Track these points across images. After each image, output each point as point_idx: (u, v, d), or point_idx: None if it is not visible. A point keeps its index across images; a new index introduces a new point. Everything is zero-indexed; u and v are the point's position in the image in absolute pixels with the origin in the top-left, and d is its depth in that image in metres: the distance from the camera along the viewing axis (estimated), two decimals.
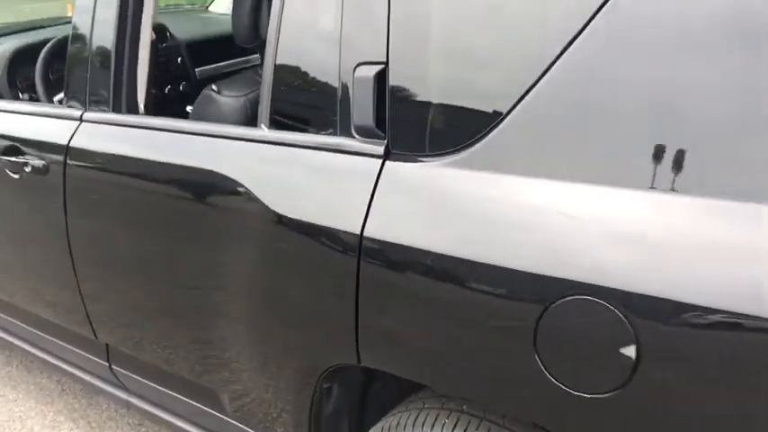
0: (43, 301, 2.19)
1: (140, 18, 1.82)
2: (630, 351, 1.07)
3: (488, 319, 1.20)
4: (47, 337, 2.27)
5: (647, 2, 1.08)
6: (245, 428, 1.80)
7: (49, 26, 3.08)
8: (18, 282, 2.27)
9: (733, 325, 0.99)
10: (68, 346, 2.20)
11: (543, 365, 1.15)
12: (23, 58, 2.62)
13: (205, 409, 1.87)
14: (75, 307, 2.01)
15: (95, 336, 2.03)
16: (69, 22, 1.95)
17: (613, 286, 1.06)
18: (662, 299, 1.03)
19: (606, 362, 1.09)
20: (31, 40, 2.76)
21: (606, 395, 1.10)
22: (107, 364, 2.09)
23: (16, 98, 2.53)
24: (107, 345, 2.05)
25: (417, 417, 1.41)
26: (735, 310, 0.98)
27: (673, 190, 1.05)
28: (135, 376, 2.03)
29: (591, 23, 1.12)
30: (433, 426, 1.38)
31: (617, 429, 1.13)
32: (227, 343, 1.67)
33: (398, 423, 1.43)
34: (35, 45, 2.67)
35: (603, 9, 1.11)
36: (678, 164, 1.07)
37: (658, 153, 1.08)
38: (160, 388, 1.98)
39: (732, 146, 1.03)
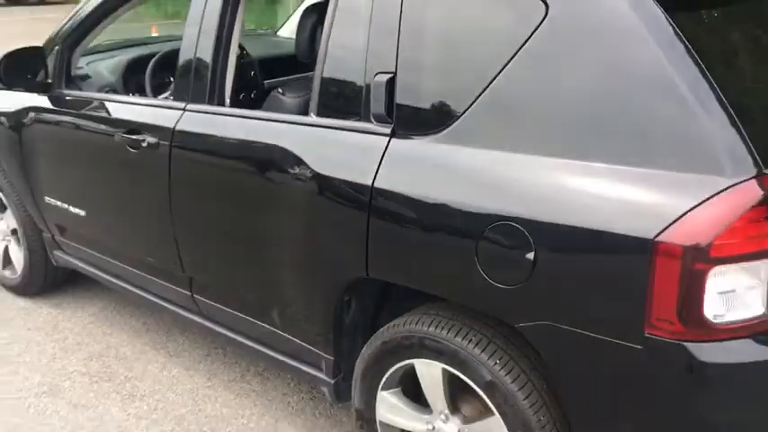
0: (145, 246, 2.92)
1: (230, 41, 2.55)
2: (531, 256, 1.72)
3: (447, 240, 1.87)
4: (145, 275, 3.00)
5: (555, 43, 1.76)
6: (291, 338, 2.48)
7: (149, 44, 3.88)
8: (128, 231, 3.01)
9: (592, 237, 1.64)
10: (162, 282, 2.92)
11: (482, 270, 1.81)
12: (134, 66, 3.41)
13: (262, 324, 2.56)
14: (170, 249, 2.73)
15: (183, 270, 2.75)
16: (164, 41, 2.68)
17: (523, 216, 1.73)
18: (551, 223, 1.69)
19: (518, 264, 1.74)
20: (137, 54, 3.55)
21: (518, 286, 1.76)
22: (189, 293, 2.80)
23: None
24: (191, 278, 2.76)
25: (409, 319, 2.09)
26: (593, 227, 1.64)
27: (567, 156, 1.72)
28: (210, 302, 2.74)
29: (519, 52, 1.79)
30: (416, 323, 2.05)
31: (526, 309, 1.79)
32: (278, 271, 2.36)
33: (398, 323, 2.11)
34: (141, 58, 3.45)
35: (524, 47, 1.79)
36: (571, 139, 1.74)
37: (561, 132, 1.75)
38: (228, 309, 2.68)
39: (600, 127, 1.70)
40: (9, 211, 3.65)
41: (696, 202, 1.56)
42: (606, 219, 1.64)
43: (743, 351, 1.61)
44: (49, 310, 3.66)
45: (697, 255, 1.55)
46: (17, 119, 3.30)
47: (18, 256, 3.74)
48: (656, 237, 1.57)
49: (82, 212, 3.13)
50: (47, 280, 3.72)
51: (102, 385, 3.03)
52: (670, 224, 1.57)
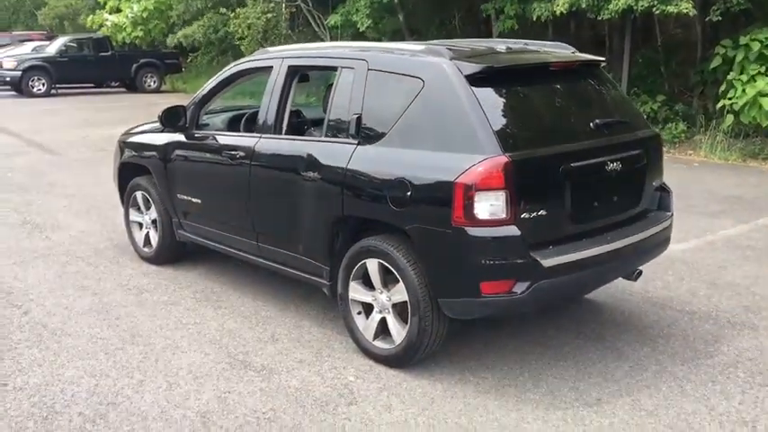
0: (233, 216, 5.10)
1: (286, 103, 4.77)
2: (409, 193, 3.81)
3: (376, 190, 3.99)
4: (232, 236, 5.15)
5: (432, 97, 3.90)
6: (307, 259, 4.55)
7: (240, 108, 6.19)
8: (224, 208, 5.20)
9: (432, 183, 3.74)
10: (241, 238, 5.07)
11: (390, 203, 3.90)
12: (233, 118, 5.71)
13: (294, 254, 4.66)
14: (247, 217, 4.90)
15: (253, 229, 4.90)
16: (246, 107, 4.96)
17: (406, 176, 3.84)
18: (416, 177, 3.80)
19: (404, 197, 3.82)
20: (235, 113, 5.86)
21: (404, 208, 3.84)
22: (256, 242, 4.94)
23: None
24: (257, 233, 4.90)
25: (364, 240, 4.15)
26: (432, 178, 3.77)
27: (425, 149, 3.84)
28: (266, 245, 4.86)
29: (411, 102, 3.93)
30: (367, 240, 4.12)
31: (408, 219, 3.85)
32: (302, 221, 4.47)
33: (360, 242, 4.17)
34: (237, 114, 5.75)
35: (414, 100, 3.92)
36: (429, 142, 3.84)
37: (426, 139, 3.86)
38: (275, 248, 4.79)
39: (441, 136, 3.81)
40: (153, 208, 5.92)
41: (471, 164, 3.61)
42: (437, 173, 3.71)
43: (489, 231, 3.62)
44: (172, 270, 5.86)
45: (469, 187, 3.58)
46: (165, 148, 5.62)
47: (154, 238, 5.98)
48: (455, 179, 3.62)
49: (199, 201, 5.37)
50: (171, 252, 5.94)
51: (202, 302, 5.16)
52: (460, 174, 3.62)
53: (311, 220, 4.43)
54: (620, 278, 4.60)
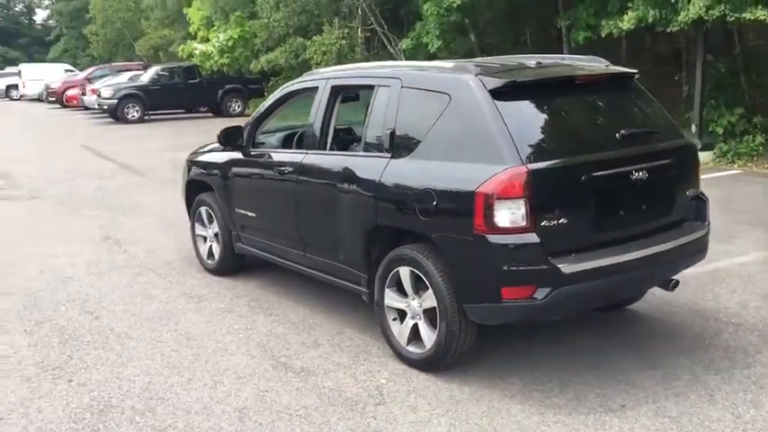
0: (283, 227, 5.39)
1: (330, 122, 5.05)
2: (435, 203, 4.00)
3: (407, 200, 4.19)
4: (283, 246, 5.45)
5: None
6: (348, 268, 4.78)
7: (292, 128, 6.51)
8: (276, 219, 5.50)
9: (456, 193, 3.93)
10: (290, 249, 5.36)
11: (418, 213, 4.09)
12: (285, 137, 6.04)
13: (335, 263, 4.90)
14: (295, 228, 5.18)
15: (300, 239, 5.18)
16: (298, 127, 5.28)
17: (432, 187, 4.04)
18: (441, 188, 3.99)
19: (430, 208, 4.01)
20: (286, 132, 6.19)
21: (431, 218, 4.03)
22: (303, 253, 5.21)
23: None
24: (305, 244, 5.17)
25: (398, 249, 4.35)
26: (456, 188, 3.95)
27: (453, 160, 4.03)
28: (312, 255, 5.12)
29: (439, 117, 4.12)
30: (400, 249, 4.32)
31: (434, 228, 4.04)
32: (342, 231, 4.71)
33: (394, 251, 4.37)
34: (289, 133, 6.08)
35: (442, 114, 4.11)
36: (455, 154, 4.03)
37: (453, 151, 4.04)
38: (319, 258, 5.04)
39: (467, 149, 3.98)
40: (215, 222, 6.31)
41: (492, 174, 3.77)
42: (459, 183, 3.89)
43: (509, 238, 3.75)
44: (232, 281, 6.22)
45: (490, 196, 3.74)
46: (225, 166, 6.00)
47: (217, 250, 6.36)
48: (476, 189, 3.79)
49: (254, 214, 5.70)
50: (231, 264, 6.30)
51: (255, 309, 5.48)
52: (481, 184, 3.78)
53: (349, 230, 4.67)
54: (659, 288, 4.62)
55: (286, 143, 5.96)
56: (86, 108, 26.82)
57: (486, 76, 4.08)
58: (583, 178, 3.90)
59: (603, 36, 12.27)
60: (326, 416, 3.84)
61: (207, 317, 5.38)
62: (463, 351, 4.20)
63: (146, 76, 23.89)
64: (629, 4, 11.61)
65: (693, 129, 12.10)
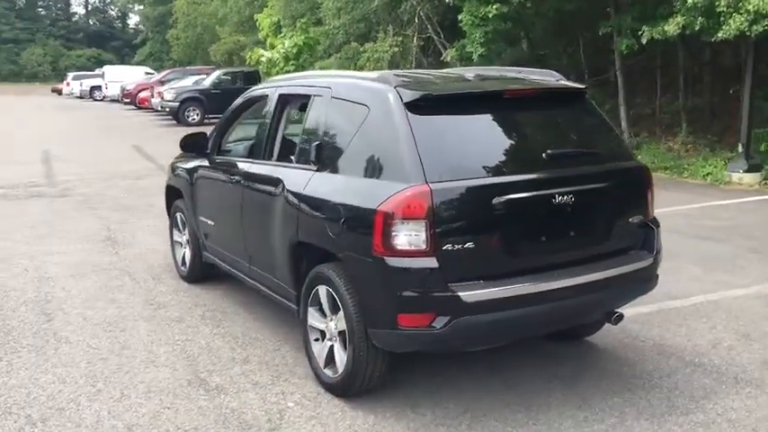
0: (232, 238, 5.27)
1: (276, 131, 4.90)
2: (342, 221, 3.79)
3: (321, 215, 3.98)
4: (235, 258, 5.32)
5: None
6: (281, 283, 4.61)
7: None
8: (226, 229, 5.38)
9: (359, 209, 3.70)
10: (239, 260, 5.22)
11: (328, 230, 3.89)
12: (249, 146, 5.92)
13: (272, 278, 4.73)
14: (240, 239, 5.05)
15: (245, 249, 5.04)
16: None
17: (340, 201, 3.84)
18: (346, 203, 3.80)
19: (337, 225, 3.81)
20: (252, 140, 6.07)
21: (338, 236, 3.82)
22: (248, 265, 5.07)
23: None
24: (249, 255, 5.03)
25: (317, 267, 4.15)
26: (360, 204, 3.74)
27: (361, 176, 3.81)
28: (255, 268, 4.97)
29: (356, 132, 3.91)
30: (318, 268, 4.11)
31: (341, 246, 3.82)
32: (274, 246, 4.54)
33: (315, 269, 4.17)
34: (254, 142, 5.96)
35: (360, 127, 3.90)
36: (364, 170, 3.81)
37: (364, 166, 3.82)
38: (259, 271, 4.89)
39: (376, 164, 3.76)
40: (186, 229, 6.25)
41: (393, 192, 3.53)
42: (363, 200, 3.66)
43: (407, 262, 3.50)
44: (200, 289, 6.14)
45: (389, 215, 3.50)
46: (191, 172, 5.93)
47: (188, 257, 6.31)
48: (376, 207, 3.55)
49: (212, 223, 5.61)
50: (200, 272, 6.23)
51: (206, 320, 5.37)
52: (382, 202, 3.55)
53: (279, 244, 4.50)
54: (604, 321, 4.27)
55: (247, 152, 5.86)
56: (155, 110, 27.63)
57: (405, 88, 3.85)
58: (493, 201, 3.61)
59: (645, 42, 11.60)
60: None
61: (155, 325, 5.31)
62: (374, 377, 3.96)
63: (208, 81, 24.41)
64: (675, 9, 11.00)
65: (740, 149, 11.37)
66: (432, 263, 3.50)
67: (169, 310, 5.65)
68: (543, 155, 3.84)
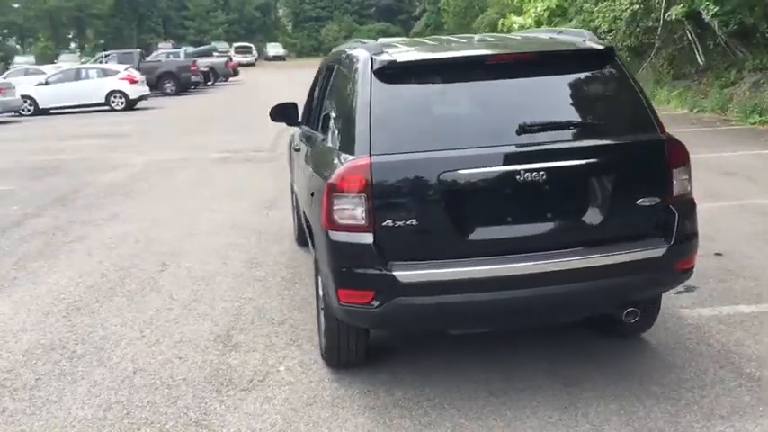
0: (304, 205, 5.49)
1: (322, 99, 4.98)
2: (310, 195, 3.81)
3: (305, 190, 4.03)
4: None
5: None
6: None
7: None
8: (302, 199, 5.62)
9: (318, 181, 3.69)
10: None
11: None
12: None
13: None
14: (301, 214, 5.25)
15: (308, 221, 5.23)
16: None
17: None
18: (315, 174, 3.77)
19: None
20: None
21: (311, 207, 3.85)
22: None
23: None
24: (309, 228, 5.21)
25: None
26: (317, 174, 3.69)
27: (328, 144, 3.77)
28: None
29: (341, 101, 3.87)
30: None
31: (312, 220, 3.84)
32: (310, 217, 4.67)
33: None
34: None
35: (343, 96, 3.85)
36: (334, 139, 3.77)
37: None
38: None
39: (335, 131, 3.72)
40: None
41: (341, 165, 3.46)
42: (321, 172, 3.64)
43: (346, 236, 3.41)
44: (302, 252, 6.46)
45: (333, 188, 3.44)
46: (290, 141, 6.22)
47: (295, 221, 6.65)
48: (326, 180, 3.51)
49: (297, 189, 5.85)
50: (302, 236, 6.53)
51: (283, 284, 5.66)
52: (331, 174, 3.49)
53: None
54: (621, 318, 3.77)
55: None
56: None
57: (380, 55, 3.69)
58: (441, 176, 3.35)
59: None
60: (200, 392, 3.93)
61: (237, 282, 5.70)
62: (353, 350, 3.93)
63: None
64: None
65: None
66: (369, 238, 3.38)
67: (261, 269, 6.04)
68: (516, 127, 3.46)
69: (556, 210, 3.47)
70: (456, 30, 46.58)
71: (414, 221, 3.37)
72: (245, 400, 3.82)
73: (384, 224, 3.37)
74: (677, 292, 5.02)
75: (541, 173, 3.35)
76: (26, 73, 29.35)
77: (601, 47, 3.75)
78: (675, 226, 3.54)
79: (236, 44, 63.79)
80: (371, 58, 3.65)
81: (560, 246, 3.45)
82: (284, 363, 4.23)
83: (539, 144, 3.44)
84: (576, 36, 3.99)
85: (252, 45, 65.17)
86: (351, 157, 3.43)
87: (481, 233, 3.42)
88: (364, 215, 3.38)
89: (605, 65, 3.74)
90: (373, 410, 3.65)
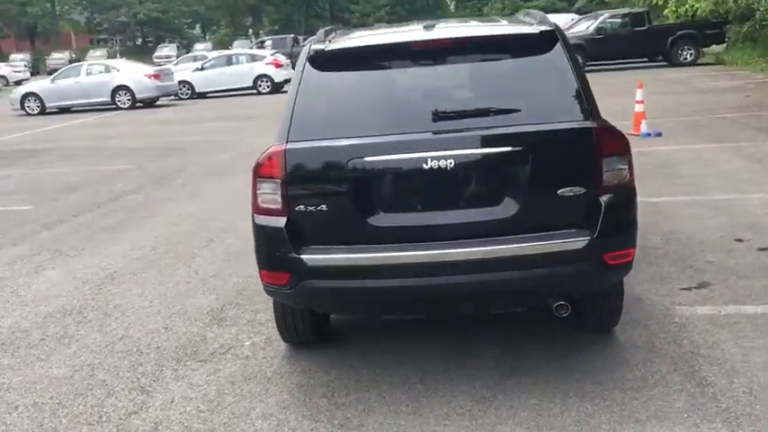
0: None
1: None
2: None
3: None
4: None
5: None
6: None
7: None
8: None
9: None
10: None
11: None
12: None
13: None
14: None
15: None
16: None
17: None
18: None
19: None
20: None
21: None
22: None
23: None
24: None
25: None
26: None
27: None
28: None
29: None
30: None
31: None
32: None
33: None
34: None
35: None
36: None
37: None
38: None
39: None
40: None
41: (266, 151, 3.59)
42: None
43: (265, 220, 3.54)
44: None
45: (255, 174, 3.59)
46: None
47: None
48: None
49: None
50: None
51: None
52: (258, 159, 3.64)
53: None
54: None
55: None
56: None
57: (319, 44, 3.76)
58: (350, 163, 3.39)
59: None
60: (163, 360, 4.25)
61: None
62: (300, 329, 4.06)
63: (592, 26, 23.63)
64: None
65: None
66: (281, 222, 3.49)
67: None
68: (431, 115, 3.41)
69: (468, 198, 3.40)
70: (619, 4, 44.32)
71: (324, 207, 3.44)
72: (198, 371, 4.08)
73: (297, 209, 3.47)
74: (686, 288, 4.71)
75: (449, 161, 3.30)
76: (195, 59, 31.58)
77: (536, 31, 3.58)
78: (601, 217, 3.34)
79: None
80: (310, 47, 3.74)
81: (471, 235, 3.37)
82: (253, 338, 4.45)
83: (451, 132, 3.38)
84: (531, 18, 3.84)
85: None
86: (274, 144, 3.55)
87: (388, 220, 3.42)
88: (280, 200, 3.50)
89: (544, 49, 3.57)
90: (302, 388, 3.79)
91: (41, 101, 22.66)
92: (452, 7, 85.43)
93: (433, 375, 3.79)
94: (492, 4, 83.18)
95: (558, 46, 3.57)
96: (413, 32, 3.92)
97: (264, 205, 3.57)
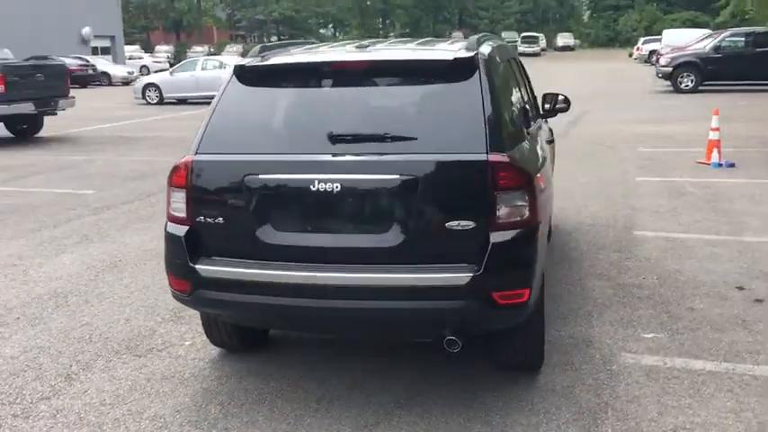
0: None
1: None
2: None
3: None
4: None
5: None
6: None
7: None
8: None
9: None
10: None
11: None
12: None
13: None
14: None
15: None
16: None
17: None
18: None
19: None
20: None
21: None
22: None
23: None
24: None
25: None
26: None
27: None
28: None
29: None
30: None
31: None
32: None
33: None
34: None
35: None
36: None
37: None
38: None
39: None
40: None
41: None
42: None
43: (171, 228, 3.64)
44: None
45: (169, 181, 3.69)
46: None
47: None
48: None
49: None
50: None
51: None
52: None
53: None
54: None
55: None
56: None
57: (249, 60, 3.84)
58: (245, 179, 3.43)
59: None
60: (103, 352, 4.47)
61: None
62: (225, 337, 4.15)
63: (710, 44, 22.33)
64: None
65: None
66: (184, 231, 3.58)
67: None
68: (327, 136, 3.40)
69: (356, 223, 3.37)
70: (761, 22, 41.70)
71: (221, 220, 3.51)
72: (129, 364, 4.25)
73: (198, 219, 3.55)
74: (648, 335, 4.43)
75: (336, 184, 3.28)
76: None
77: (449, 57, 3.48)
78: (487, 254, 3.21)
79: (523, 34, 63.90)
80: (239, 63, 3.83)
81: (358, 261, 3.33)
82: (195, 339, 4.57)
83: (342, 155, 3.36)
84: (449, 45, 3.76)
85: (540, 35, 64.73)
86: (188, 154, 3.66)
87: (279, 238, 3.43)
88: (185, 209, 3.60)
89: (457, 77, 3.46)
90: (206, 393, 3.87)
91: (160, 91, 24.08)
92: (586, 17, 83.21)
93: (335, 395, 3.77)
94: (629, 15, 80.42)
95: (476, 74, 3.46)
96: (337, 53, 3.92)
97: (173, 213, 3.68)
